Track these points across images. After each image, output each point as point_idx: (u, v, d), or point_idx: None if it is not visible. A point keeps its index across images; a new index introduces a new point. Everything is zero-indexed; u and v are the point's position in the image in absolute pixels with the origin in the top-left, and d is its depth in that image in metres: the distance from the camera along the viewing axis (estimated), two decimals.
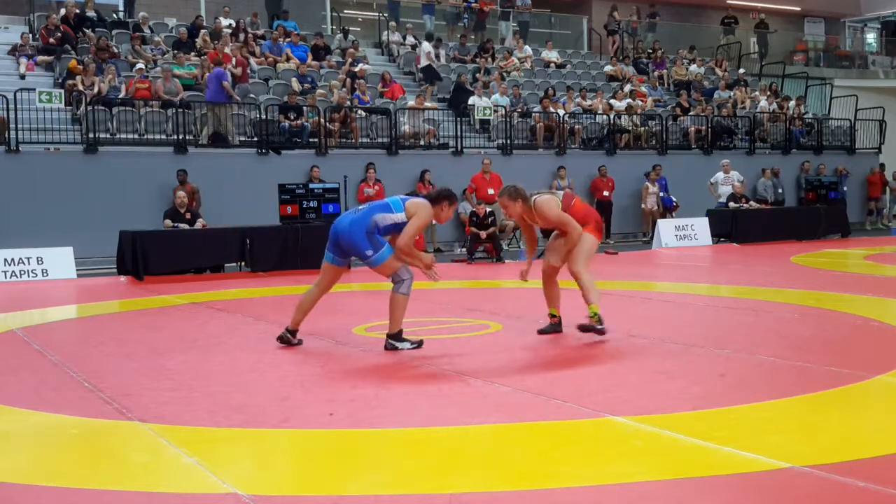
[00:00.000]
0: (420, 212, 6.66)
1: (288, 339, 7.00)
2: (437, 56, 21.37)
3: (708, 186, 19.09)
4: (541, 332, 7.31)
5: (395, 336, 6.72)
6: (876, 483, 3.47)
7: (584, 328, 6.97)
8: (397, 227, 6.71)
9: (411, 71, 21.59)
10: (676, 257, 15.24)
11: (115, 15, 20.47)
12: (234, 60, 17.83)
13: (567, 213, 7.11)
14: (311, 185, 14.79)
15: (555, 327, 7.33)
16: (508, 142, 18.99)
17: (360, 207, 6.89)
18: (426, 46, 21.08)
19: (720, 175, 19.04)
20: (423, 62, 20.93)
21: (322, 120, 16.93)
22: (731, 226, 18.00)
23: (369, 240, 6.61)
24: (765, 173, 20.82)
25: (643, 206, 19.24)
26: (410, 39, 22.72)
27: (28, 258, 13.25)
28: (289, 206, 14.26)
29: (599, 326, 6.93)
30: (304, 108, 17.31)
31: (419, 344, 6.74)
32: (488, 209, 15.49)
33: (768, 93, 24.21)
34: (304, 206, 14.31)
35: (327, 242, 6.88)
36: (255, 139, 16.86)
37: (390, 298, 6.71)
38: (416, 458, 4.02)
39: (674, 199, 19.24)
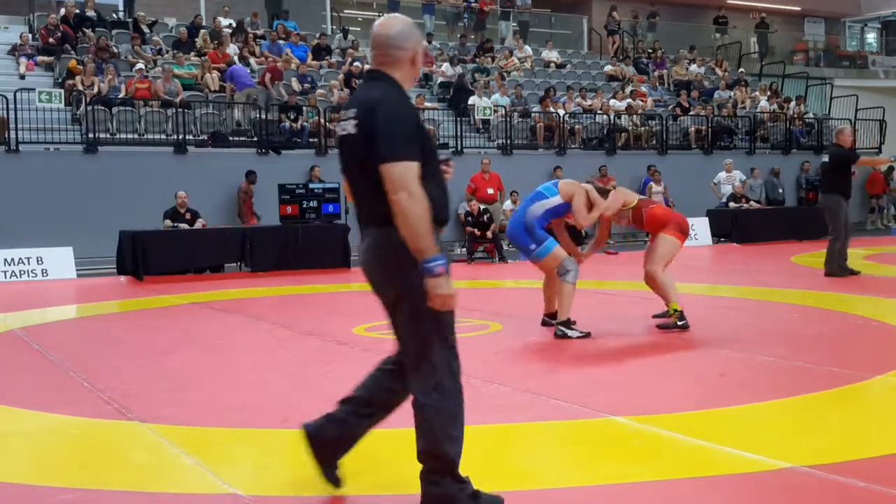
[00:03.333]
0: (578, 192, 7.12)
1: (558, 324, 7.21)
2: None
3: (711, 187, 19.08)
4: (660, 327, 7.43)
5: (565, 324, 7.04)
6: (876, 483, 3.47)
7: (662, 326, 7.35)
8: (556, 212, 7.15)
9: None
10: (676, 257, 15.21)
11: (114, 15, 20.45)
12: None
13: (642, 213, 7.58)
14: (311, 185, 14.79)
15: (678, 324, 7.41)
16: (508, 142, 18.99)
17: (520, 206, 7.47)
18: (447, 67, 21.06)
19: (722, 175, 19.02)
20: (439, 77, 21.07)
21: (322, 120, 16.93)
22: (731, 226, 18.00)
23: (529, 235, 7.06)
24: (753, 173, 20.75)
25: None
26: None
27: (28, 258, 13.25)
28: (289, 206, 14.26)
29: (680, 323, 7.23)
30: (304, 108, 17.31)
31: (587, 335, 7.00)
32: (482, 207, 15.53)
33: (768, 93, 24.21)
34: (304, 206, 14.32)
35: None
36: (255, 139, 16.86)
37: (560, 288, 7.05)
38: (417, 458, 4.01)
39: (669, 198, 19.21)
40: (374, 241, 3.22)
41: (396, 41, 3.24)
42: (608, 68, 23.83)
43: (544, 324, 7.58)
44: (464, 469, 3.87)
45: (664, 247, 7.46)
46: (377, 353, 6.56)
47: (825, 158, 11.76)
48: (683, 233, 7.54)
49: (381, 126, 3.11)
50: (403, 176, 3.03)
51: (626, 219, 7.61)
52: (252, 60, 19.00)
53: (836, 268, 11.04)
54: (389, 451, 4.17)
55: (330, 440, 3.53)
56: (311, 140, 16.99)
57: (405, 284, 3.15)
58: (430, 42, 22.08)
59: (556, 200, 7.11)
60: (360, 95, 3.32)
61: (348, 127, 3.25)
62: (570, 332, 6.97)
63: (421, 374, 3.25)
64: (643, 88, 22.84)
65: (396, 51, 3.24)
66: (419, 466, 3.87)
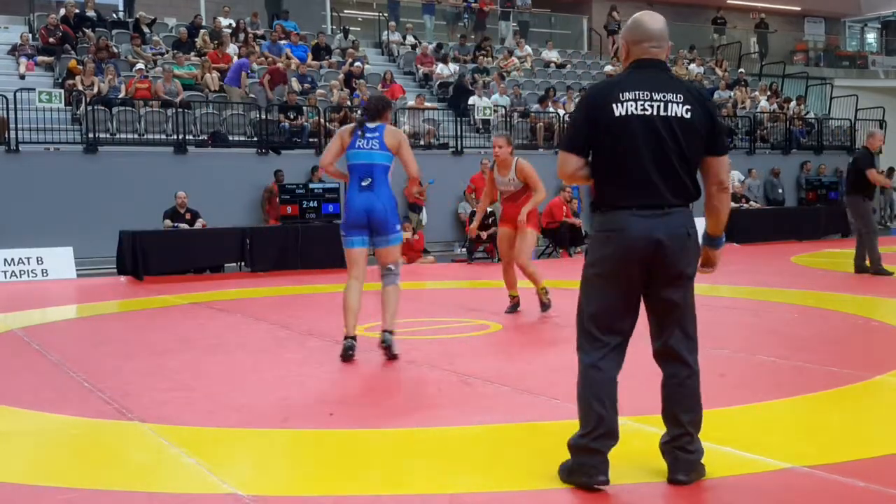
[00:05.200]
0: (402, 137, 6.31)
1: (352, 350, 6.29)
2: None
3: None
4: (508, 312, 8.37)
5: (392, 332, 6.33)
6: (876, 483, 3.47)
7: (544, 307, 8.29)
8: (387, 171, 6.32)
9: (411, 71, 21.60)
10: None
11: (114, 15, 20.46)
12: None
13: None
14: (311, 185, 14.79)
15: (516, 307, 8.46)
16: None
17: (365, 181, 6.18)
18: (442, 68, 21.08)
19: None
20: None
21: (322, 120, 16.94)
22: (731, 226, 17.91)
23: (397, 213, 6.32)
24: (751, 174, 20.75)
25: None
26: (410, 39, 22.72)
27: (28, 258, 13.25)
28: (289, 207, 14.26)
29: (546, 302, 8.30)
30: (304, 108, 17.32)
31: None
32: (488, 209, 15.47)
33: (768, 93, 24.20)
34: (304, 206, 14.31)
35: (350, 226, 6.25)
36: (255, 139, 16.87)
37: (391, 291, 6.33)
38: (416, 458, 4.02)
39: None
40: (681, 220, 3.50)
41: (667, 33, 3.57)
42: (608, 68, 23.80)
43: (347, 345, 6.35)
44: (465, 469, 3.88)
45: (531, 241, 8.26)
46: (377, 353, 6.58)
47: (852, 159, 11.92)
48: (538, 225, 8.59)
49: (719, 120, 3.54)
50: (729, 167, 3.56)
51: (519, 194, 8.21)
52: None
53: (878, 264, 11.13)
54: (389, 451, 4.18)
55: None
56: (311, 140, 16.99)
57: (695, 261, 3.54)
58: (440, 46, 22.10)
59: (390, 162, 6.24)
60: (671, 82, 3.46)
61: (673, 109, 3.38)
62: (395, 346, 6.24)
63: (696, 343, 3.58)
64: None
65: (668, 43, 3.57)
66: (419, 466, 3.87)
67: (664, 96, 3.38)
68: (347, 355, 6.12)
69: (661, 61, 3.50)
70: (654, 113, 3.37)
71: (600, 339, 3.51)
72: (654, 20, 3.52)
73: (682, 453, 3.50)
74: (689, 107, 3.38)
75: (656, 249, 3.39)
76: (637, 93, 3.39)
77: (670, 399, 3.56)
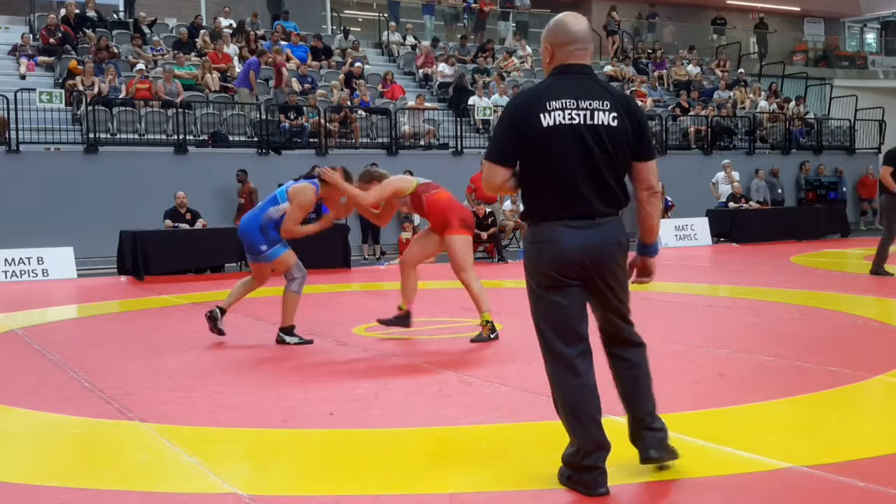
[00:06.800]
0: (298, 196, 6.85)
1: (216, 316, 7.24)
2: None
3: (710, 187, 19.08)
4: (381, 321, 7.13)
5: (287, 330, 7.02)
6: (876, 483, 3.47)
7: (475, 339, 6.95)
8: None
9: (411, 71, 21.60)
10: (676, 257, 15.22)
11: (115, 15, 20.47)
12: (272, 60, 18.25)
13: (421, 199, 6.90)
14: None
15: (400, 320, 7.08)
16: None
17: (259, 204, 7.22)
18: (443, 67, 21.11)
19: (721, 175, 19.03)
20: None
21: (322, 120, 16.94)
22: (731, 226, 18.00)
23: (262, 235, 6.89)
24: (758, 174, 20.78)
25: None
26: (410, 39, 22.73)
27: (28, 258, 13.26)
28: None
29: (493, 335, 6.97)
30: (305, 108, 17.32)
31: (310, 341, 7.00)
32: (488, 209, 15.49)
33: (763, 93, 24.21)
34: None
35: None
36: (256, 139, 16.87)
37: (284, 295, 6.97)
38: (416, 458, 4.02)
39: (669, 198, 19.19)
40: (612, 229, 3.42)
41: (591, 35, 3.52)
42: (608, 69, 23.81)
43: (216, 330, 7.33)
44: (465, 469, 3.88)
45: (460, 250, 6.92)
46: (377, 354, 6.59)
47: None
48: (469, 227, 7.03)
49: (646, 125, 3.47)
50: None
51: (406, 205, 7.10)
52: None
53: (881, 266, 11.08)
54: (389, 451, 4.18)
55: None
56: (311, 140, 17.00)
57: (625, 262, 3.51)
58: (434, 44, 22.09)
59: (286, 206, 6.84)
60: (597, 89, 3.40)
61: (599, 117, 3.34)
62: (288, 339, 6.97)
63: (634, 329, 3.66)
64: (643, 88, 22.85)
65: (592, 44, 3.51)
66: (419, 466, 3.87)
67: (590, 104, 3.32)
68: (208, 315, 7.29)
69: (586, 66, 3.44)
70: (581, 122, 3.31)
71: (565, 353, 3.44)
72: (577, 21, 3.44)
73: (647, 431, 3.54)
74: (615, 114, 3.32)
75: (589, 259, 3.36)
76: (563, 101, 3.32)
77: (628, 382, 3.62)
